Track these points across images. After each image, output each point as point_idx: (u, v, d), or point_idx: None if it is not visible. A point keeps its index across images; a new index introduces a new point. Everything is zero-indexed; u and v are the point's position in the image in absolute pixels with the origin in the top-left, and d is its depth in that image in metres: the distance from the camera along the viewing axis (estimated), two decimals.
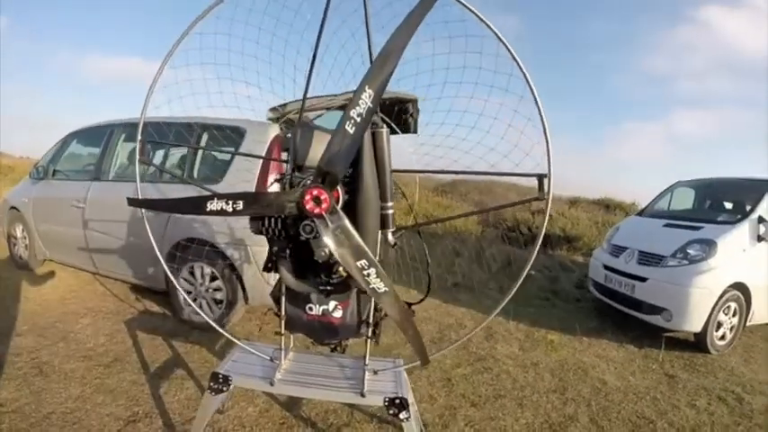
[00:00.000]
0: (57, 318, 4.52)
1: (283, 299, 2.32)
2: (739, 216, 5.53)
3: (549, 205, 2.25)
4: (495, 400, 3.53)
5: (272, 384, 2.31)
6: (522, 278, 2.28)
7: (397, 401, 2.25)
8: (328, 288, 2.13)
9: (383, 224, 2.18)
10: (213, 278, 4.36)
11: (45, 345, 3.91)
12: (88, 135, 5.95)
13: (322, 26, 2.28)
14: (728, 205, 6.44)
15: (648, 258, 5.45)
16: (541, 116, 2.12)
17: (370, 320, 2.39)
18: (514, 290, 2.31)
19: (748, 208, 5.56)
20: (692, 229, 5.50)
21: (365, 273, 1.78)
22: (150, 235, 2.52)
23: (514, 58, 2.07)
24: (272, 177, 3.78)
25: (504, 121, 2.33)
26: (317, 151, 2.00)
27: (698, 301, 4.92)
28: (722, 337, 5.21)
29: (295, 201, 1.75)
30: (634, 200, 16.20)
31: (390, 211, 2.21)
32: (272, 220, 1.98)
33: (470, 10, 2.03)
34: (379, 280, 1.80)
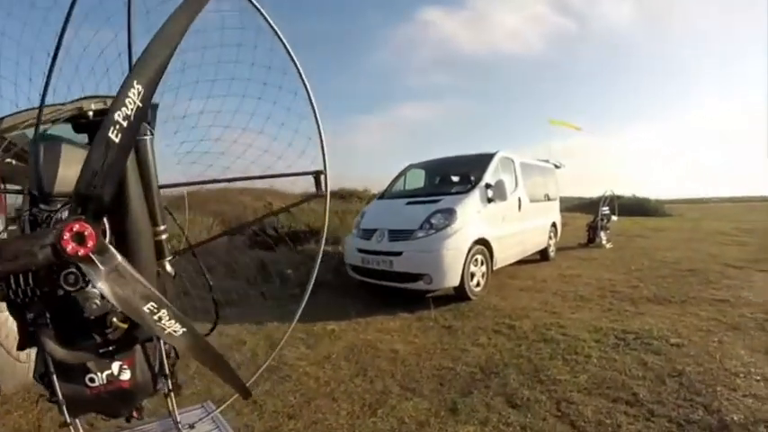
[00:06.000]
0: None
1: (54, 378, 1.69)
2: (470, 185, 6.51)
3: (328, 201, 2.19)
4: (308, 405, 3.30)
5: None
6: (311, 282, 2.26)
7: None
8: (110, 348, 1.69)
9: (159, 253, 1.86)
10: None
11: None
12: None
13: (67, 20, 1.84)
14: (456, 178, 7.36)
15: (399, 234, 5.95)
16: (315, 113, 2.04)
17: (166, 371, 2.01)
18: (307, 295, 2.26)
19: (475, 178, 6.63)
20: (432, 203, 6.23)
21: (156, 317, 1.44)
22: None
23: (289, 54, 1.96)
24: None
25: (278, 121, 2.20)
26: (70, 171, 1.54)
27: (450, 261, 5.59)
28: (477, 284, 6.04)
29: (50, 244, 1.28)
30: (365, 187, 17.25)
31: (164, 236, 1.91)
32: (21, 277, 1.47)
33: None
34: (174, 322, 1.47)
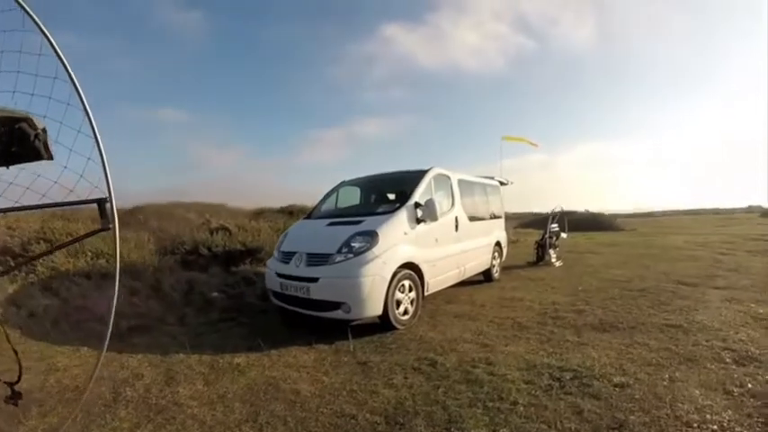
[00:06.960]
0: None
1: None
2: (398, 205, 5.98)
3: (118, 232, 1.80)
4: None
5: None
6: (113, 309, 1.85)
7: None
8: None
9: None
10: None
11: None
12: None
13: None
14: (392, 196, 6.98)
15: (316, 259, 5.42)
16: (93, 129, 1.67)
17: None
18: (111, 322, 1.89)
19: (405, 197, 6.12)
20: (353, 224, 5.70)
21: None
22: None
23: (58, 56, 1.60)
24: None
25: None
26: None
27: (371, 288, 5.04)
28: (405, 312, 5.52)
29: None
30: (315, 202, 16.82)
31: None
32: None
33: None
34: None
